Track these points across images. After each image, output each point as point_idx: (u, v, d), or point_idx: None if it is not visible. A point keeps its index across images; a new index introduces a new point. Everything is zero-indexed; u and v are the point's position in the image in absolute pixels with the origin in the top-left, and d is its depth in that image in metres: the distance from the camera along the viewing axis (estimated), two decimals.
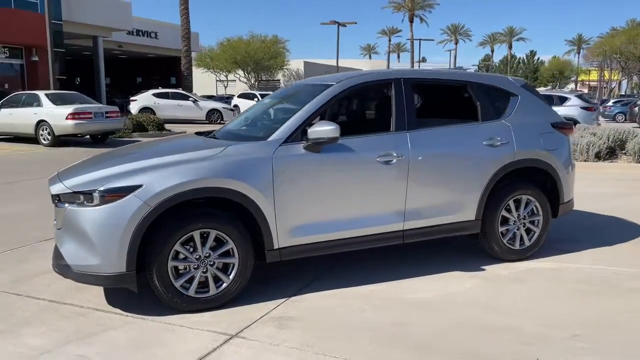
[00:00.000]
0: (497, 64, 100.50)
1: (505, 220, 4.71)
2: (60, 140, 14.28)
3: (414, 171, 4.27)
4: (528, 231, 4.82)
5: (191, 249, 3.73)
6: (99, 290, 4.13)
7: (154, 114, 21.44)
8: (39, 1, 23.72)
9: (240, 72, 52.18)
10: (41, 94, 14.71)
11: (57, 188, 3.75)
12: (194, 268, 3.74)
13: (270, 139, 3.98)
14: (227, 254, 3.82)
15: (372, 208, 4.20)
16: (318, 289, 4.18)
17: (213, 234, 3.74)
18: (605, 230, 5.82)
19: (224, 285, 3.82)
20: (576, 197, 4.96)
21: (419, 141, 4.32)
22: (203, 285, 3.79)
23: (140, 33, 37.66)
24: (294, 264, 4.60)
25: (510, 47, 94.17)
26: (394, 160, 4.20)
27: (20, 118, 14.61)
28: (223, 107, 24.36)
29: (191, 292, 3.74)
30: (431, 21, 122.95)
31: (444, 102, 5.06)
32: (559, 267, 4.65)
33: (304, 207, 3.98)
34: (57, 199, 3.78)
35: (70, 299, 4.01)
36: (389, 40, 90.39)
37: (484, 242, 4.71)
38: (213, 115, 23.36)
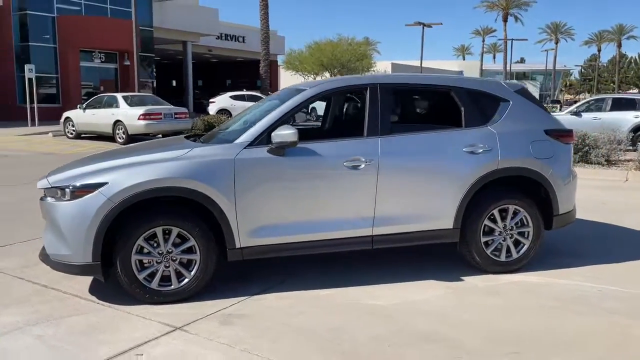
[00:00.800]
0: (605, 65, 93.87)
1: (490, 231, 4.54)
2: (134, 139, 15.35)
3: (383, 177, 4.24)
4: (517, 243, 4.60)
5: (155, 245, 3.97)
6: (88, 279, 4.49)
7: (230, 115, 22.36)
8: (132, 10, 25.57)
9: (327, 75, 52.85)
10: (119, 96, 15.96)
11: (42, 183, 4.14)
12: (157, 262, 3.98)
13: (237, 141, 4.14)
14: (190, 250, 4.02)
15: (339, 212, 4.23)
16: (283, 289, 4.28)
17: (175, 231, 3.96)
18: (620, 246, 5.40)
19: (186, 280, 4.02)
20: (616, 208, 4.65)
21: (390, 147, 4.29)
22: (166, 279, 4.02)
23: (229, 37, 39.35)
24: (273, 263, 4.73)
25: (619, 45, 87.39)
26: (362, 165, 4.20)
27: (101, 118, 15.92)
28: None
29: (154, 285, 3.98)
30: (527, 20, 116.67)
31: (425, 107, 4.97)
32: (544, 282, 4.40)
33: (267, 209, 4.09)
34: (43, 193, 4.18)
35: (60, 285, 4.40)
36: (483, 41, 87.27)
37: (466, 252, 4.57)
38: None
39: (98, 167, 4.02)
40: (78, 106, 17.00)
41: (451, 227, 4.42)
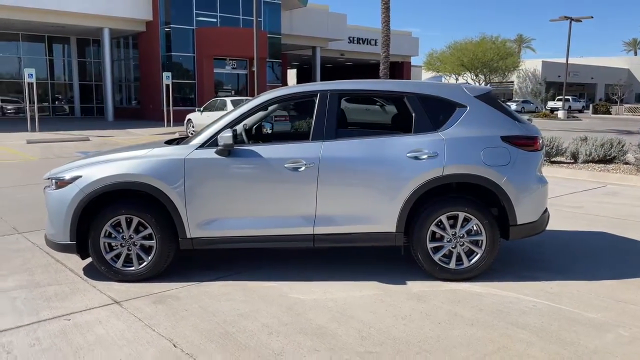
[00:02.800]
0: None
1: (440, 237, 4.50)
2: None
3: (324, 179, 4.45)
4: (470, 252, 4.50)
5: (120, 231, 4.63)
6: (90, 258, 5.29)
7: (345, 117, 23.02)
8: (262, 19, 27.47)
9: (468, 75, 51.30)
10: (227, 100, 17.46)
11: (46, 175, 5.03)
12: (121, 246, 4.63)
13: (191, 143, 4.65)
14: (150, 237, 4.61)
15: (281, 210, 4.52)
16: (237, 279, 4.67)
17: (136, 220, 4.58)
18: (618, 264, 4.90)
19: (145, 263, 4.62)
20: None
21: (332, 151, 4.47)
22: (130, 261, 4.66)
23: (360, 41, 40.13)
24: (249, 255, 5.15)
25: None
26: (303, 168, 4.45)
27: (213, 119, 17.49)
28: None
29: (118, 265, 4.63)
30: None
31: (378, 113, 5.00)
32: (485, 292, 4.26)
33: (213, 204, 4.53)
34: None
35: (67, 260, 5.25)
36: None
37: (414, 257, 4.57)
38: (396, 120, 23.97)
39: (82, 163, 4.78)
40: (196, 109, 18.88)
41: (394, 230, 4.47)
